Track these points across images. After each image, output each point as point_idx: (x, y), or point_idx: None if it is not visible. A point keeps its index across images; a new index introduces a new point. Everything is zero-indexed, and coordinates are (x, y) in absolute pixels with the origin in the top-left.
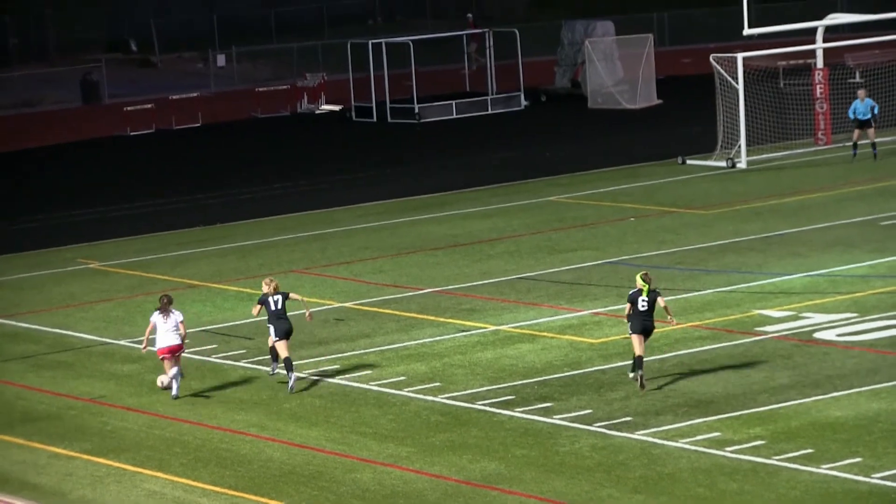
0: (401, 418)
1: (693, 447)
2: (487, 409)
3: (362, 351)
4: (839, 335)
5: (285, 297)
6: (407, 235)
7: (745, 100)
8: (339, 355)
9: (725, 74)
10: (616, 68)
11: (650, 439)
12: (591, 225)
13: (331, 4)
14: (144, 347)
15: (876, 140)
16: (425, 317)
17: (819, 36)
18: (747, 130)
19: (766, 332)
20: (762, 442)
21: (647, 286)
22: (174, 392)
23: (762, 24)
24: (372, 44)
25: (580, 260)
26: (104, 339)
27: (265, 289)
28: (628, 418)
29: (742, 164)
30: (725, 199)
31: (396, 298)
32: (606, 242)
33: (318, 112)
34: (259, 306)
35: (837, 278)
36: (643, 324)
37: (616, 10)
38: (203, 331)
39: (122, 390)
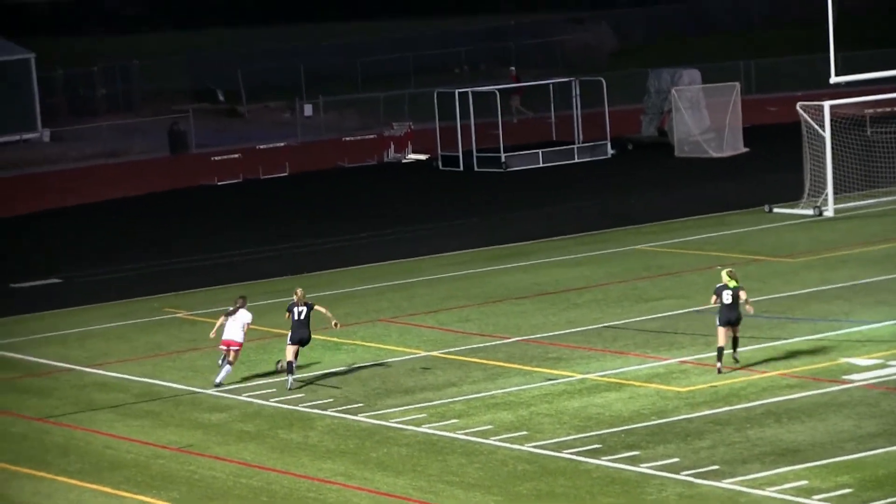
0: (487, 467)
1: (780, 495)
2: (574, 457)
3: (449, 400)
4: None
5: (310, 308)
6: (493, 284)
7: (832, 148)
8: (426, 404)
9: (812, 122)
10: (703, 116)
11: (737, 487)
12: (678, 273)
13: (416, 54)
14: (213, 334)
15: None
16: (512, 365)
17: None
18: (834, 178)
19: (853, 381)
20: (849, 490)
21: (732, 281)
22: (218, 379)
23: (849, 71)
24: (458, 93)
25: (666, 308)
26: (191, 388)
27: (294, 298)
28: (715, 467)
29: (829, 212)
30: (812, 247)
31: (483, 347)
32: (693, 291)
33: (404, 161)
34: (288, 314)
35: None
36: (728, 316)
37: (702, 59)
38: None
39: (209, 439)
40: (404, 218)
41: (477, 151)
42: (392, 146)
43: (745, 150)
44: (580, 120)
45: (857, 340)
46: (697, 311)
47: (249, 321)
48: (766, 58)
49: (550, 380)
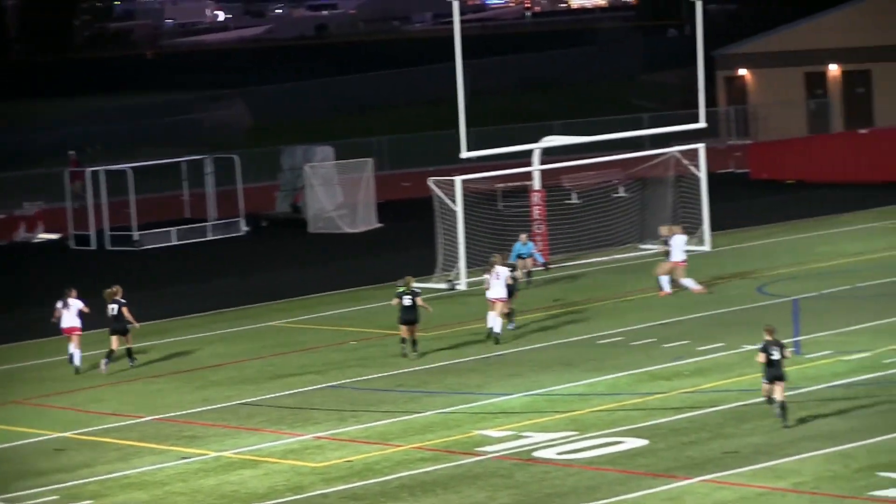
0: None
1: None
2: None
3: (83, 481)
4: (559, 453)
5: (120, 305)
6: (127, 363)
7: (465, 222)
8: (59, 486)
9: (444, 197)
10: (336, 192)
11: None
12: (313, 349)
13: (49, 133)
14: (53, 320)
15: (532, 269)
16: (146, 444)
17: (535, 158)
18: (467, 252)
19: (486, 452)
20: None
21: (405, 287)
22: (77, 363)
23: (480, 147)
24: (90, 171)
25: (302, 384)
26: None
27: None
28: None
29: (462, 286)
30: (445, 320)
31: (117, 427)
32: (328, 366)
33: (35, 241)
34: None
35: (556, 397)
36: (406, 317)
37: (336, 135)
38: None
39: None
40: (35, 299)
41: (109, 230)
42: (22, 226)
43: (378, 225)
44: (214, 197)
45: (490, 412)
46: (332, 386)
47: (82, 307)
48: (398, 134)
49: (185, 458)
